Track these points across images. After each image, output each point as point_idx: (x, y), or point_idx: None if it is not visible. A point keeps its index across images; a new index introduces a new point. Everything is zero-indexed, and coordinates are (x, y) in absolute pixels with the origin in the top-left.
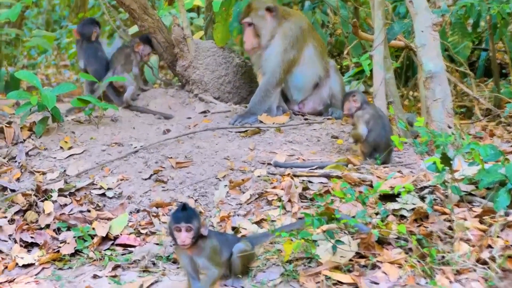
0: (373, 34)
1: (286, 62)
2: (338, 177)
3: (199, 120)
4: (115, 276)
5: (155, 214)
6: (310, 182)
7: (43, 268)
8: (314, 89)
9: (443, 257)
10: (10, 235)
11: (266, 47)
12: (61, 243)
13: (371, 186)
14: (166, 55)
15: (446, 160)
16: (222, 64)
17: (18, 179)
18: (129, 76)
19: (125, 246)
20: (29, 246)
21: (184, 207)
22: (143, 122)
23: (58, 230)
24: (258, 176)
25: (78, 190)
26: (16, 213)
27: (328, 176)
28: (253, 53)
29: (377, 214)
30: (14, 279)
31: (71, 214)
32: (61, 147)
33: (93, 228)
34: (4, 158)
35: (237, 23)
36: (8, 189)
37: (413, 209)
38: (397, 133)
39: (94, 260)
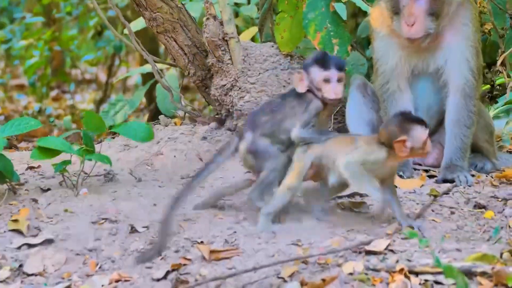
0: None
1: (477, 71)
2: (486, 275)
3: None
4: None
5: None
6: (437, 283)
7: None
8: (441, 124)
9: None
10: None
11: (446, 38)
12: None
13: None
14: (194, 69)
15: None
16: (289, 83)
17: None
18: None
19: None
20: None
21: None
22: (156, 184)
23: None
24: (350, 274)
25: None
26: None
27: (469, 273)
28: (416, 46)
29: None
30: None
31: None
32: (14, 229)
33: None
34: None
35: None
36: None
37: None
38: None
39: None
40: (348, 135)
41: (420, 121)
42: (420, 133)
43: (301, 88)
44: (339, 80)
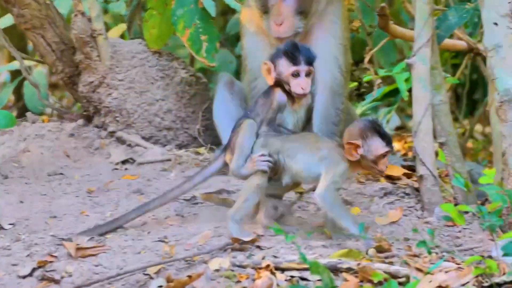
0: (413, 29)
1: (345, 68)
2: (352, 271)
3: (116, 176)
4: None
5: None
6: (303, 279)
7: None
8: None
9: None
10: None
11: (315, 35)
12: None
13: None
14: (61, 66)
15: None
16: (157, 80)
17: None
18: None
19: None
20: None
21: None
22: (23, 181)
23: None
24: (217, 271)
25: None
26: None
27: (335, 269)
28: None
29: None
30: None
31: None
32: None
33: None
34: None
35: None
36: None
37: None
38: (452, 196)
39: None
40: (313, 133)
41: (385, 136)
42: (377, 146)
43: (270, 81)
44: (307, 74)
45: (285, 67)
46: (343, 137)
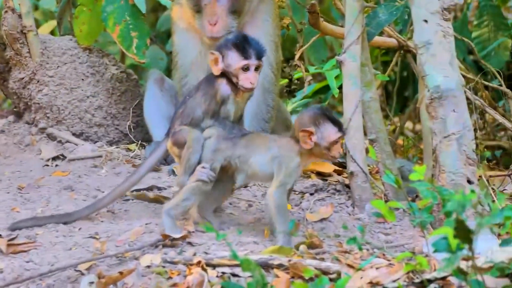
0: (344, 26)
1: (276, 65)
2: (283, 267)
3: (47, 172)
4: None
5: None
6: (234, 275)
7: None
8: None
9: None
10: None
11: (246, 32)
12: None
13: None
14: None
15: (464, 234)
16: (88, 76)
17: None
18: None
19: None
20: None
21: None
22: None
23: None
24: (148, 267)
25: None
26: None
27: (266, 266)
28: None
29: None
30: None
31: None
32: None
33: None
34: None
35: (115, 4)
36: None
37: None
38: (383, 193)
39: None
40: (260, 134)
41: (336, 122)
42: (330, 132)
43: (216, 71)
44: (256, 69)
45: (235, 60)
46: (293, 128)
